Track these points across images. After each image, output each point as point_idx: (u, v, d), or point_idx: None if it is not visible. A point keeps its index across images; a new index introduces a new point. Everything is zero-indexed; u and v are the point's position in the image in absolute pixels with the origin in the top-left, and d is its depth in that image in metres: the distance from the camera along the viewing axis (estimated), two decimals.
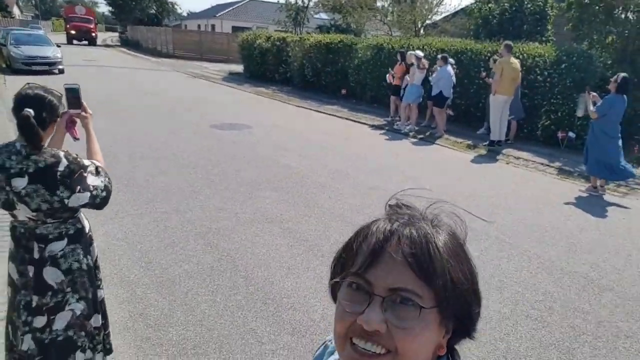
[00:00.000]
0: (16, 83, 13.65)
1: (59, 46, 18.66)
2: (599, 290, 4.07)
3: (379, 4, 22.89)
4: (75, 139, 2.38)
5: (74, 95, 2.28)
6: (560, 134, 9.24)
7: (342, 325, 0.68)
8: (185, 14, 51.98)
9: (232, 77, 20.96)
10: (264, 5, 40.39)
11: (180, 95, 14.38)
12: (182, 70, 22.66)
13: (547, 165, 8.31)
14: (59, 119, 2.20)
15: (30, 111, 2.01)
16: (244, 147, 8.26)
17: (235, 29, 34.96)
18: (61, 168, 2.05)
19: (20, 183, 2.00)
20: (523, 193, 6.74)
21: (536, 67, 9.78)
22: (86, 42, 37.93)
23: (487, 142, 9.31)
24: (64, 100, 2.26)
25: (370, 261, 0.67)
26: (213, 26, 41.43)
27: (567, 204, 6.41)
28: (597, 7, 10.38)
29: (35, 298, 2.13)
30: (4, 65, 17.79)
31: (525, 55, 9.94)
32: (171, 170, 6.71)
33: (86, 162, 2.17)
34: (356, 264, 0.68)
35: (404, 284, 0.65)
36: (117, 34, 48.87)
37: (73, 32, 38.05)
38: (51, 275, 2.14)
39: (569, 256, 4.73)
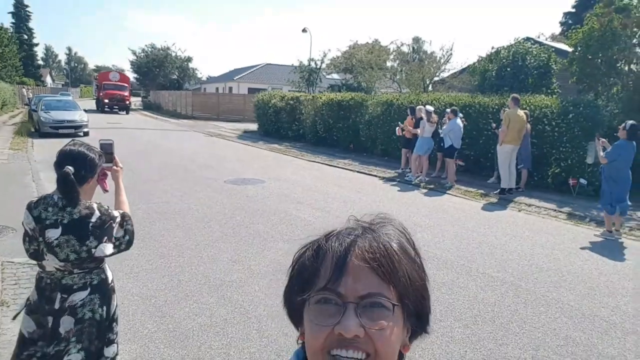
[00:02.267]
0: (43, 146, 14.39)
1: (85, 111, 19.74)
2: (623, 334, 3.96)
3: (388, 64, 23.79)
4: (105, 190, 2.52)
5: (107, 150, 2.44)
6: (571, 181, 9.25)
7: (319, 340, 0.69)
8: (205, 78, 54.32)
9: (247, 135, 21.57)
10: (279, 68, 42.10)
11: (197, 152, 14.83)
12: (199, 130, 23.40)
13: (559, 212, 8.28)
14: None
15: (70, 168, 2.14)
16: (257, 201, 8.40)
17: (251, 90, 36.30)
18: (94, 219, 2.17)
19: (53, 234, 2.11)
20: (536, 239, 6.68)
21: (544, 118, 9.96)
22: (117, 109, 35.53)
23: (498, 191, 9.35)
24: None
25: (337, 274, 0.70)
26: (230, 88, 43.14)
27: (582, 248, 6.34)
28: (598, 61, 10.69)
29: (49, 349, 2.15)
30: (32, 130, 18.74)
31: (532, 106, 10.16)
32: (186, 224, 6.83)
33: (115, 213, 2.30)
34: (321, 280, 0.71)
35: (372, 288, 0.69)
36: (139, 99, 50.97)
37: (106, 100, 35.09)
38: (65, 325, 2.16)
39: (589, 300, 4.63)
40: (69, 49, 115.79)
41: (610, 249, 6.33)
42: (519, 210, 8.49)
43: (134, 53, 48.35)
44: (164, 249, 5.78)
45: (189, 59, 49.84)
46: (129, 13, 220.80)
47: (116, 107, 35.50)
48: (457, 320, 4.15)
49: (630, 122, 6.80)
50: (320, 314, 0.70)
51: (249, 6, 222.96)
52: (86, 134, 18.01)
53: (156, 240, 6.10)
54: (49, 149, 13.87)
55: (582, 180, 9.16)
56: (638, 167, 7.63)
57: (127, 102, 36.20)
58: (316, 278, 0.72)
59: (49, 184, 9.03)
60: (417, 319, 0.76)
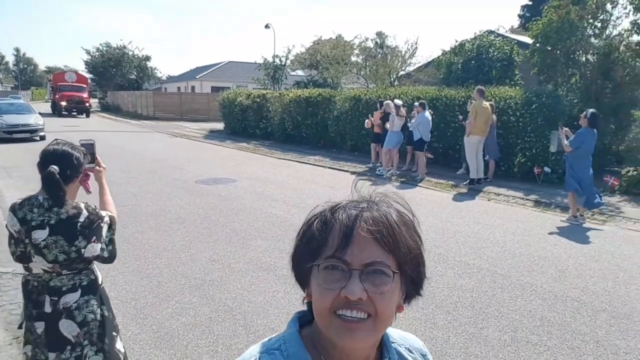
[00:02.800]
0: None
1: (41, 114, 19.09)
2: (593, 312, 4.17)
3: (353, 59, 23.94)
4: (88, 192, 2.47)
5: (88, 151, 2.38)
6: (536, 170, 9.59)
7: (327, 301, 0.77)
8: (165, 77, 53.01)
9: (213, 135, 21.30)
10: (242, 66, 41.71)
11: (163, 154, 14.54)
12: (163, 131, 22.93)
13: (527, 199, 8.59)
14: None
15: (55, 168, 2.09)
16: (230, 200, 8.33)
17: (215, 89, 35.84)
18: (82, 219, 2.13)
19: (40, 235, 2.06)
20: (507, 226, 6.91)
21: (508, 109, 10.27)
22: (75, 112, 32.90)
23: (467, 181, 9.59)
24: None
25: (344, 244, 0.78)
26: (193, 87, 42.41)
27: (551, 233, 6.60)
28: (558, 52, 11.09)
29: (51, 356, 2.12)
30: None
31: (497, 98, 10.46)
32: (160, 226, 6.71)
33: (102, 213, 2.27)
34: (329, 248, 0.78)
35: (375, 257, 0.77)
36: (96, 100, 49.14)
37: (64, 103, 32.20)
38: (68, 328, 2.14)
39: (560, 282, 4.84)
40: (17, 50, 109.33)
41: (576, 233, 6.62)
42: (489, 200, 8.75)
43: (88, 52, 46.20)
44: (139, 252, 5.67)
45: (148, 58, 48.27)
46: (81, 9, 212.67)
47: (75, 110, 32.98)
48: (438, 307, 4.25)
49: (591, 110, 7.11)
50: (328, 278, 0.78)
51: (209, 1, 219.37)
52: (42, 138, 17.31)
53: (130, 243, 5.96)
54: (5, 155, 13.32)
55: (547, 169, 9.53)
56: (598, 154, 8.01)
57: (87, 105, 33.58)
58: (324, 247, 0.79)
59: (7, 190, 8.70)
60: (413, 284, 0.84)
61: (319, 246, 0.80)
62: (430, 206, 8.16)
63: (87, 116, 32.99)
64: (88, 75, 45.45)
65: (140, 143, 17.73)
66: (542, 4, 11.87)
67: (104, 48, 46.30)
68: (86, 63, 46.30)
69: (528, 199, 8.58)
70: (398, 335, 0.96)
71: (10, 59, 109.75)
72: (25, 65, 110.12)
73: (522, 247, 5.93)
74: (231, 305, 4.29)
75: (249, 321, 3.99)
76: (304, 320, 0.88)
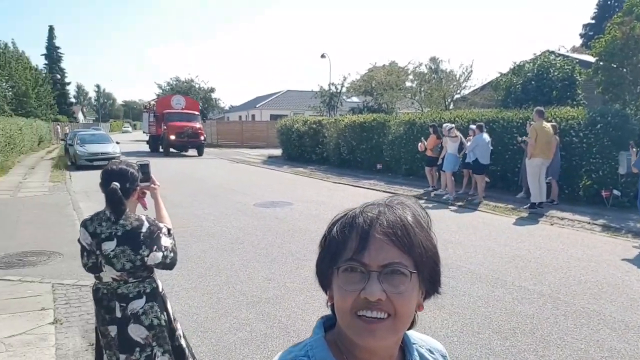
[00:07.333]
0: (80, 178, 14.97)
1: (118, 143, 20.78)
2: None
3: (407, 84, 23.98)
4: (145, 208, 2.72)
5: (144, 171, 2.65)
6: (604, 193, 9.09)
7: (347, 303, 0.79)
8: (227, 107, 55.37)
9: (272, 160, 21.91)
10: (300, 94, 42.84)
11: (225, 179, 15.15)
12: (225, 157, 23.87)
13: (594, 224, 8.14)
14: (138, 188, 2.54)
15: (116, 184, 2.35)
16: (287, 222, 8.52)
17: (274, 117, 36.99)
18: (144, 229, 2.36)
19: (109, 246, 2.31)
20: (572, 252, 6.59)
21: (571, 130, 9.88)
22: (182, 149, 25.18)
23: (528, 205, 9.24)
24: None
25: (362, 246, 0.80)
26: (253, 116, 44.01)
27: (622, 260, 6.21)
28: (624, 70, 10.61)
29: (122, 357, 2.33)
30: (69, 163, 19.63)
31: (558, 119, 10.11)
32: (221, 246, 6.98)
33: (160, 224, 2.49)
34: (348, 251, 0.81)
35: (392, 258, 0.80)
36: None
37: (173, 136, 23.94)
38: (136, 332, 2.35)
39: (632, 311, 4.54)
40: (98, 86, 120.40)
41: None
42: (552, 224, 8.38)
43: (160, 87, 49.41)
44: (201, 269, 5.93)
45: (212, 90, 50.79)
46: (150, 50, 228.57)
47: (186, 145, 24.72)
48: (495, 332, 4.12)
49: None
50: (348, 281, 0.81)
51: (268, 35, 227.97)
52: None
53: (193, 261, 6.25)
54: (86, 180, 14.44)
55: (616, 192, 9.00)
56: None
57: (202, 138, 24.81)
58: (343, 250, 0.82)
59: (87, 211, 9.38)
60: (430, 282, 0.86)
61: (338, 250, 0.83)
62: (488, 230, 7.95)
63: (200, 154, 24.79)
64: None
65: (204, 169, 18.57)
66: (605, 21, 11.44)
67: (174, 82, 49.03)
68: (157, 96, 49.22)
69: (595, 224, 8.14)
70: (418, 337, 0.98)
71: (92, 94, 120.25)
72: (105, 100, 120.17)
73: (588, 274, 5.63)
74: (286, 322, 4.39)
75: (302, 338, 4.02)
76: (328, 324, 0.91)
